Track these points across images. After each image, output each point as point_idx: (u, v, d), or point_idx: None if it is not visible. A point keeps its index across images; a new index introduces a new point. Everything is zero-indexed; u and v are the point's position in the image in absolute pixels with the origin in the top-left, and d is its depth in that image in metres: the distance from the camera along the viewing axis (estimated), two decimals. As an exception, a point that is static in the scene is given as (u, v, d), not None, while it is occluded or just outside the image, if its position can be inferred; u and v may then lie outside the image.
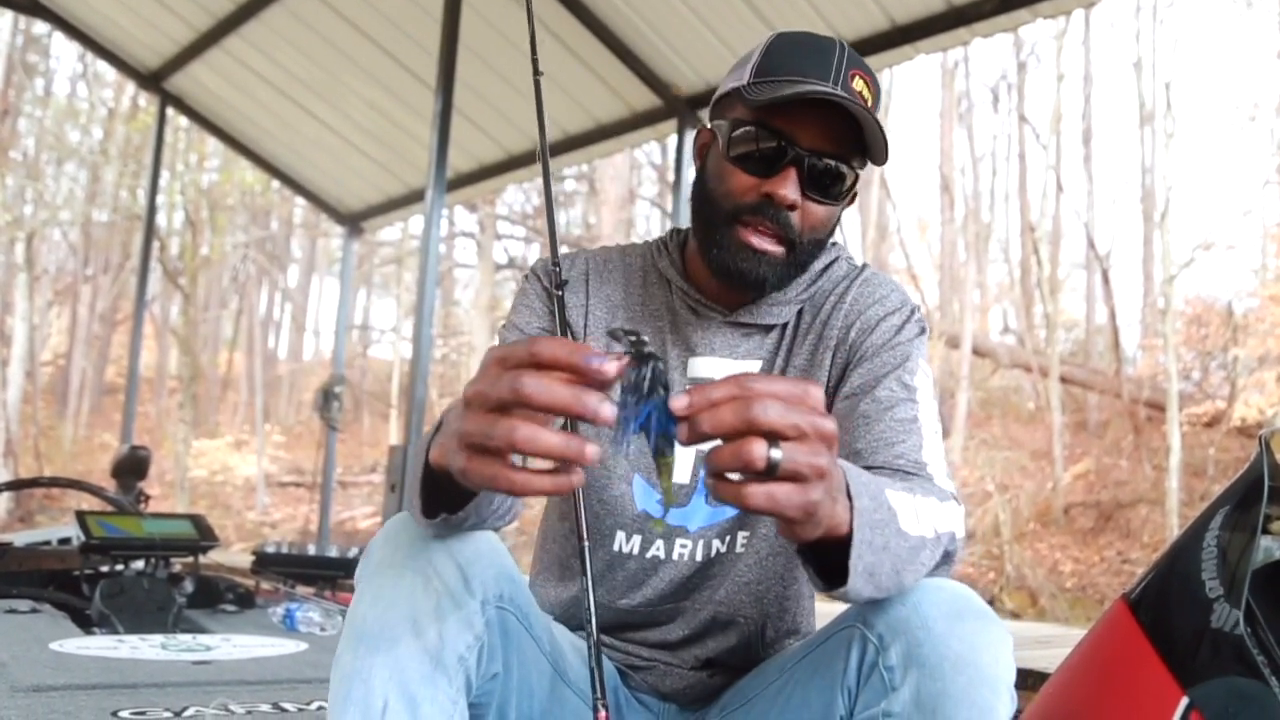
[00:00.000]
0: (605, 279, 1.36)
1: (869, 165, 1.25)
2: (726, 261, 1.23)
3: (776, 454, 0.73)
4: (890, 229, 18.48)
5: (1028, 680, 2.77)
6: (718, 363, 1.30)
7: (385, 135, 7.03)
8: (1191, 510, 10.66)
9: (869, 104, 1.18)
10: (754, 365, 1.30)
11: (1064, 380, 14.26)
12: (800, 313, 1.32)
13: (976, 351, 15.29)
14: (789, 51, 1.20)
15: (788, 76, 1.16)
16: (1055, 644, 3.85)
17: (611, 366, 0.73)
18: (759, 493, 0.74)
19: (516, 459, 0.76)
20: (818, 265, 1.32)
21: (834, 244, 1.37)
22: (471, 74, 5.66)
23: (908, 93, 26.22)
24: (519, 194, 19.35)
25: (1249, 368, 12.89)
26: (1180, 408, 12.20)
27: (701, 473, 0.72)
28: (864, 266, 1.34)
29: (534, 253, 20.78)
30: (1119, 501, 12.66)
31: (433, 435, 0.93)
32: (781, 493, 0.74)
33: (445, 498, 0.96)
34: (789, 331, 1.31)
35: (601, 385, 0.74)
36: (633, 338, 0.76)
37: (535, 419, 0.74)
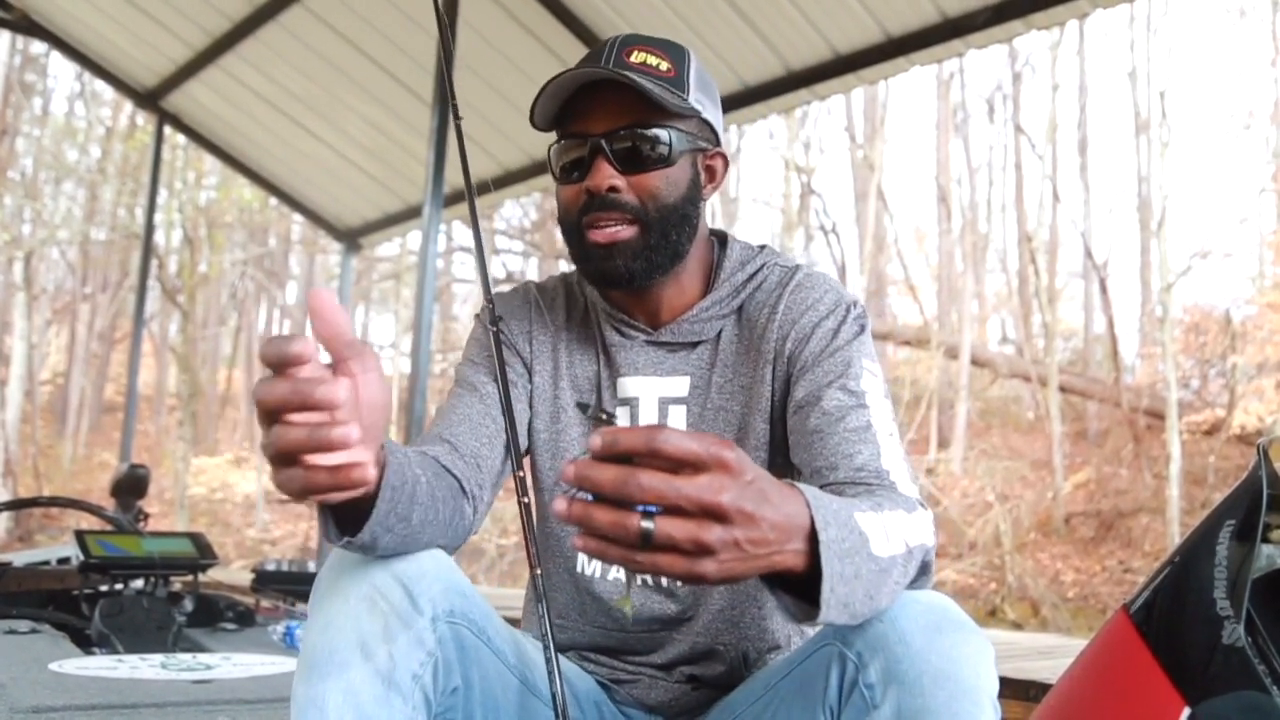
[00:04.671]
0: (549, 306, 1.40)
1: (710, 127, 1.27)
2: (590, 269, 1.26)
3: (648, 526, 0.74)
4: (888, 240, 18.51)
5: (1030, 691, 2.76)
6: (644, 381, 1.31)
7: (383, 152, 7.05)
8: (1192, 519, 10.63)
9: (660, 69, 1.21)
10: (682, 381, 1.30)
11: (1063, 389, 14.26)
12: (739, 325, 1.31)
13: (975, 361, 15.30)
14: (572, 65, 1.25)
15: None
16: (1057, 654, 3.84)
17: (297, 347, 0.76)
18: (644, 561, 0.76)
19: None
20: (742, 275, 1.31)
21: (763, 248, 1.36)
22: (468, 90, 5.68)
23: (904, 104, 26.30)
24: (516, 208, 19.42)
25: (1248, 375, 12.90)
26: (1180, 416, 12.19)
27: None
28: (796, 269, 1.32)
29: (532, 267, 20.80)
30: (1120, 510, 12.65)
31: None
32: (665, 563, 0.76)
33: (344, 521, 0.97)
34: (724, 345, 1.30)
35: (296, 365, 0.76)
36: (604, 414, 0.80)
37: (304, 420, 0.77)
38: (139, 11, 6.47)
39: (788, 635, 1.32)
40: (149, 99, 7.39)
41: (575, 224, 1.25)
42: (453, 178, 6.64)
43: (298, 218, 10.95)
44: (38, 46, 17.97)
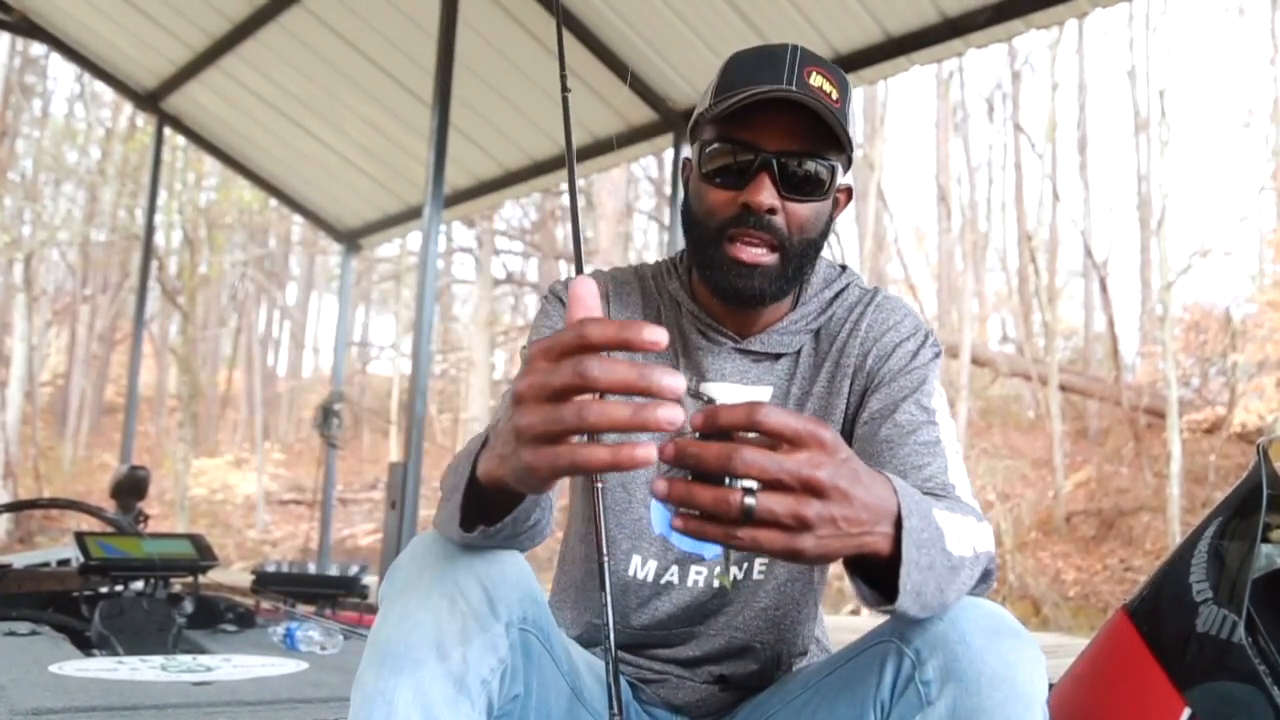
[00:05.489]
0: (624, 301, 1.37)
1: (850, 161, 1.26)
2: (721, 280, 1.23)
3: (750, 502, 0.76)
4: (888, 239, 18.51)
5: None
6: (729, 388, 1.31)
7: (382, 152, 7.05)
8: (1193, 517, 10.64)
9: (832, 97, 1.19)
10: (765, 390, 1.30)
11: (1063, 388, 14.26)
12: (816, 340, 1.32)
13: (976, 361, 15.29)
14: (743, 65, 1.22)
15: (743, 88, 1.18)
16: (1059, 653, 3.83)
17: (662, 335, 0.74)
18: (744, 537, 0.77)
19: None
20: (828, 293, 1.33)
21: (844, 268, 1.37)
22: (468, 91, 5.68)
23: (903, 104, 26.31)
24: (516, 209, 19.40)
25: (1248, 373, 12.90)
26: (1180, 414, 12.19)
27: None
28: (876, 290, 1.35)
29: (532, 267, 20.81)
30: (1120, 509, 12.64)
31: (478, 450, 0.94)
32: (764, 538, 0.77)
33: (486, 510, 0.97)
34: (803, 359, 1.32)
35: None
36: (705, 396, 0.80)
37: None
38: (138, 13, 6.48)
39: (809, 645, 1.35)
40: (149, 100, 7.39)
41: (717, 231, 1.22)
42: (453, 177, 6.65)
43: (298, 219, 10.96)
44: (37, 48, 17.96)
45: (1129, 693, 1.28)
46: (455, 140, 5.46)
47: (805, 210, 1.21)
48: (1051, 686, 1.47)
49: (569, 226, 1.31)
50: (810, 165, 1.20)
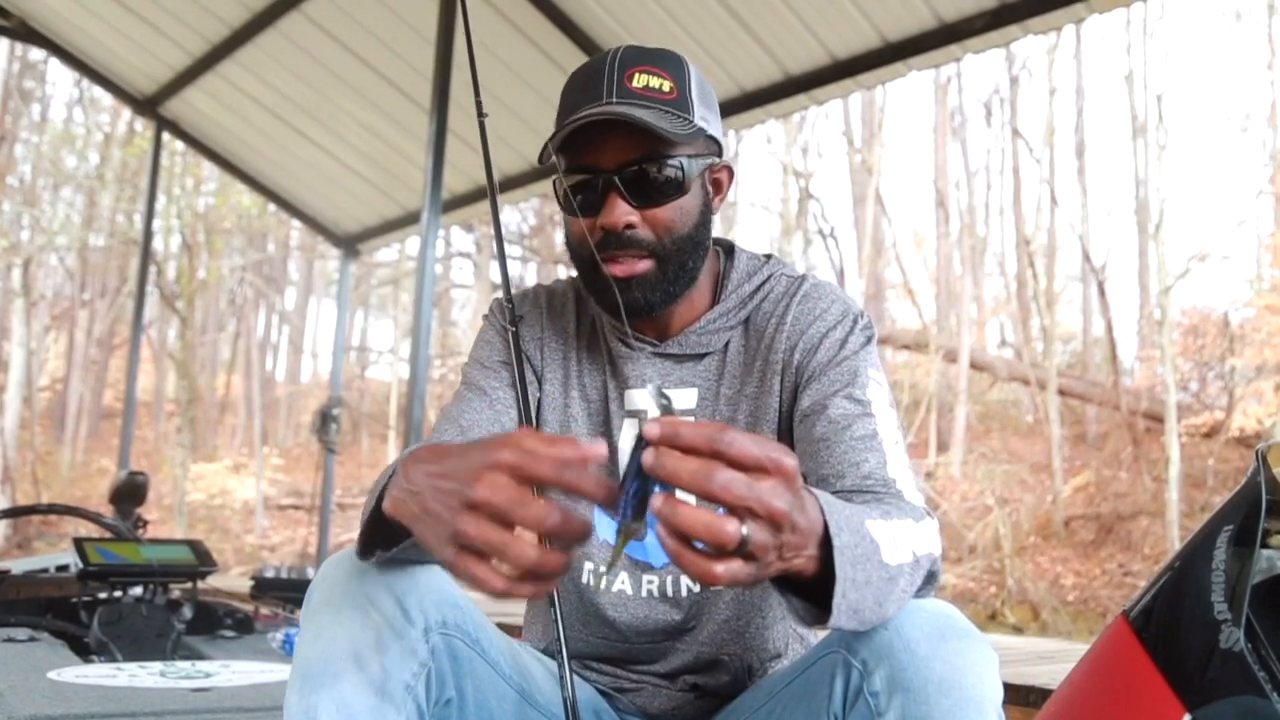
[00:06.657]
0: (559, 312, 1.38)
1: (715, 141, 1.24)
2: (606, 301, 1.24)
3: (746, 531, 0.73)
4: (886, 244, 18.53)
5: (1030, 697, 2.76)
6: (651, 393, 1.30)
7: (381, 157, 7.05)
8: (1192, 521, 10.65)
9: (662, 90, 1.18)
10: (690, 393, 1.29)
11: (1062, 393, 14.27)
12: (746, 336, 1.30)
13: (974, 365, 15.30)
14: (571, 88, 1.23)
15: (572, 113, 1.18)
16: (1058, 659, 3.83)
17: (604, 494, 0.76)
18: (724, 573, 0.74)
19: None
20: (749, 286, 1.30)
21: (769, 257, 1.35)
22: (465, 96, 5.69)
23: (901, 109, 26.36)
24: (515, 213, 19.40)
25: (1246, 377, 12.91)
26: (1179, 418, 12.20)
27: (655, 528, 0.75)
28: (803, 278, 1.31)
29: (531, 271, 20.83)
30: (1119, 513, 12.65)
31: (385, 484, 0.95)
32: (738, 568, 0.75)
33: (383, 538, 0.99)
34: (732, 356, 1.29)
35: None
36: (664, 401, 0.80)
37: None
38: (137, 18, 6.48)
39: (787, 643, 1.31)
40: (147, 105, 7.38)
41: (590, 258, 1.22)
42: (451, 182, 6.65)
43: (296, 224, 10.96)
44: (36, 53, 18.01)
45: (1129, 699, 1.28)
46: (453, 145, 5.46)
47: (666, 213, 1.20)
48: (1050, 693, 1.47)
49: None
50: (653, 169, 1.18)
